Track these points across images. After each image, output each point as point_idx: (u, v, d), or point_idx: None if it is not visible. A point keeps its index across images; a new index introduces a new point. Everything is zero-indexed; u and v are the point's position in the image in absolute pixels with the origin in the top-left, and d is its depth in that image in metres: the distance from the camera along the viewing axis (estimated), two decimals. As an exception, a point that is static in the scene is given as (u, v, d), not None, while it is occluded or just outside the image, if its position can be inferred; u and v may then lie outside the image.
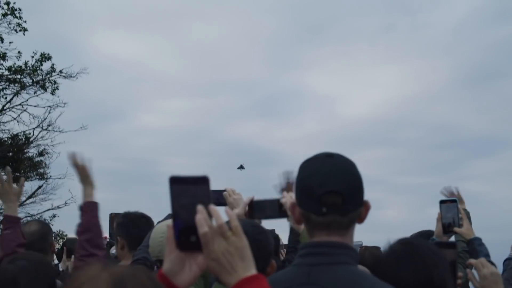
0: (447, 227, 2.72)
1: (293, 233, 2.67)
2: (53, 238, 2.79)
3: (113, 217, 8.35)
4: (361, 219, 1.43)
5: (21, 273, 1.91)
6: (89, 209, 2.38)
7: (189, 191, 1.09)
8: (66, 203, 16.76)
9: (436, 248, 1.68)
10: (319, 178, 1.37)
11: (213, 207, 1.09)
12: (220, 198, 2.61)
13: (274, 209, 2.26)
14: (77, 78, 16.61)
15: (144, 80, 31.16)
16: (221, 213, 1.11)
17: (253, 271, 1.08)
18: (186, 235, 1.10)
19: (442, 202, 2.76)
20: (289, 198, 2.17)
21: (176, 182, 1.10)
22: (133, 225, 2.94)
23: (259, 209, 2.34)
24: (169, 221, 2.38)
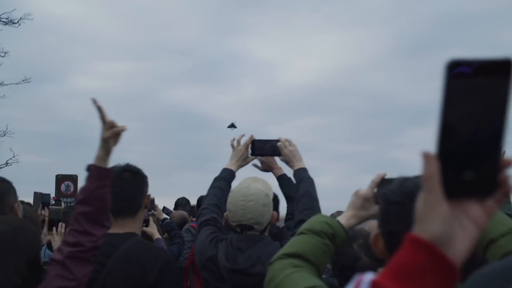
0: None
1: (290, 200, 2.64)
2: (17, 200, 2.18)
3: (60, 178, 8.35)
4: None
5: None
6: (95, 176, 1.79)
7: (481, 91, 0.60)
8: (7, 163, 15.84)
9: None
10: None
11: None
12: (275, 148, 2.55)
13: (272, 148, 2.54)
14: (19, 24, 15.29)
15: (79, 41, 29.85)
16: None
17: None
18: (459, 169, 0.62)
19: None
20: (284, 140, 2.53)
21: (463, 74, 0.59)
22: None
23: (259, 147, 2.61)
24: (251, 181, 2.21)
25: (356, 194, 1.55)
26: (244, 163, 2.67)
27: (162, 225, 4.53)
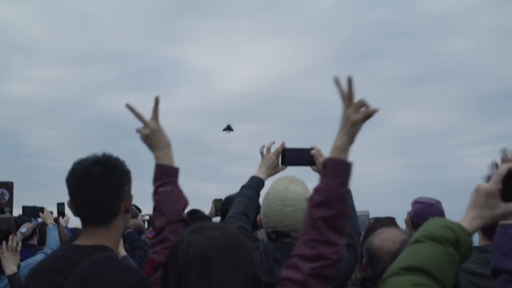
0: None
1: None
2: None
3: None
4: None
5: (214, 248, 1.29)
6: (337, 171, 1.49)
7: None
8: None
9: None
10: None
11: None
12: (308, 158, 2.36)
13: (305, 157, 2.34)
14: None
15: (13, 46, 28.29)
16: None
17: None
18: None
19: None
20: (318, 149, 2.32)
21: None
22: None
23: (290, 156, 2.42)
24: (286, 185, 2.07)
25: (477, 190, 1.34)
26: (274, 171, 2.49)
27: (124, 235, 4.16)
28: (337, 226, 1.41)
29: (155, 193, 1.70)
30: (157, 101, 1.76)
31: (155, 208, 1.70)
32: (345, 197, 1.44)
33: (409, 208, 3.35)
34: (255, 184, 2.41)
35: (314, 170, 2.37)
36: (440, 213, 3.23)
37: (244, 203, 2.31)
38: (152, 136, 1.73)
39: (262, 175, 2.45)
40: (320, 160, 2.29)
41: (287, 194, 2.08)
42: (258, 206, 2.35)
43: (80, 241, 1.76)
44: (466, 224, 1.29)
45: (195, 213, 4.39)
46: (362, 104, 1.49)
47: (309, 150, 2.37)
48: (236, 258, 1.27)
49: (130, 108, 1.76)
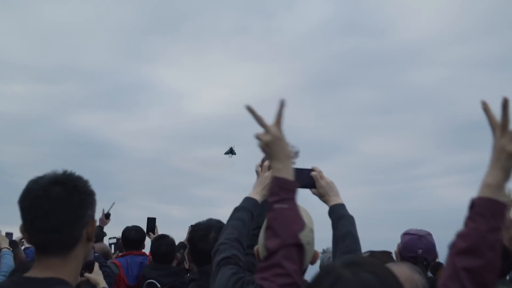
0: None
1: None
2: None
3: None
4: None
5: None
6: (489, 212, 1.28)
7: None
8: None
9: None
10: None
11: None
12: (308, 179, 2.14)
13: (305, 178, 2.10)
14: None
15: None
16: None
17: None
18: None
19: None
20: (319, 170, 2.14)
21: None
22: None
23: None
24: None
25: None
26: None
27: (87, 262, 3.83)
28: (484, 282, 1.20)
29: (270, 210, 1.49)
30: (282, 105, 1.59)
31: (268, 227, 1.48)
32: (497, 246, 1.22)
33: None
34: (249, 206, 2.17)
35: (314, 193, 2.16)
36: (430, 245, 3.07)
37: (237, 227, 2.07)
38: (273, 145, 1.55)
39: (256, 196, 2.21)
40: (321, 182, 2.11)
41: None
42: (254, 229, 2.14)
43: (32, 273, 1.48)
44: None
45: (164, 238, 4.14)
46: None
47: (309, 171, 2.17)
48: None
49: (250, 110, 1.59)
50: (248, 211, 2.14)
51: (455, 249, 1.24)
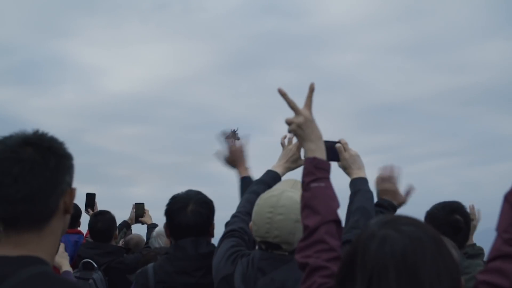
0: None
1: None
2: None
3: None
4: None
5: (417, 247, 1.11)
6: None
7: None
8: None
9: None
10: None
11: None
12: (333, 152, 2.06)
13: (329, 151, 1.94)
14: None
15: None
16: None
17: None
18: None
19: None
20: (345, 142, 2.14)
21: None
22: None
23: None
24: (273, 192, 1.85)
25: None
26: (295, 165, 2.27)
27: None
28: None
29: (306, 189, 1.53)
30: (312, 89, 1.65)
31: (306, 206, 1.51)
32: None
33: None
34: (268, 179, 2.15)
35: (339, 166, 2.14)
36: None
37: (251, 201, 2.00)
38: (305, 126, 1.61)
39: (279, 169, 2.21)
40: (345, 155, 2.11)
41: (281, 200, 1.82)
42: None
43: (2, 251, 1.22)
44: None
45: (102, 214, 3.85)
46: None
47: (334, 143, 2.14)
48: (442, 260, 1.09)
49: (282, 93, 1.64)
50: (266, 184, 2.12)
51: None
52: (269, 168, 2.23)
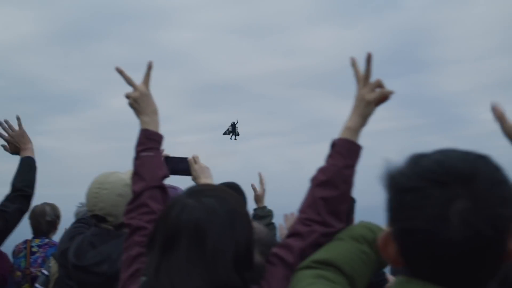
0: None
1: None
2: None
3: None
4: None
5: (208, 218, 1.18)
6: (345, 152, 1.41)
7: None
8: None
9: None
10: None
11: None
12: (187, 167, 2.13)
13: (184, 167, 2.16)
14: None
15: None
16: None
17: None
18: None
19: None
20: (196, 156, 2.14)
21: None
22: None
23: (172, 166, 2.12)
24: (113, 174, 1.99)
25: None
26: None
27: None
28: (336, 210, 1.35)
29: (137, 158, 1.63)
30: (149, 67, 1.71)
31: (135, 173, 1.61)
32: (350, 180, 1.38)
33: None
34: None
35: (192, 179, 2.17)
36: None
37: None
38: (141, 100, 1.67)
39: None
40: (195, 166, 2.12)
41: (109, 178, 2.10)
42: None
43: None
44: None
45: None
46: (378, 84, 1.43)
47: (186, 158, 2.20)
48: (230, 231, 1.19)
49: (119, 71, 1.70)
50: None
51: (315, 181, 1.39)
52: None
